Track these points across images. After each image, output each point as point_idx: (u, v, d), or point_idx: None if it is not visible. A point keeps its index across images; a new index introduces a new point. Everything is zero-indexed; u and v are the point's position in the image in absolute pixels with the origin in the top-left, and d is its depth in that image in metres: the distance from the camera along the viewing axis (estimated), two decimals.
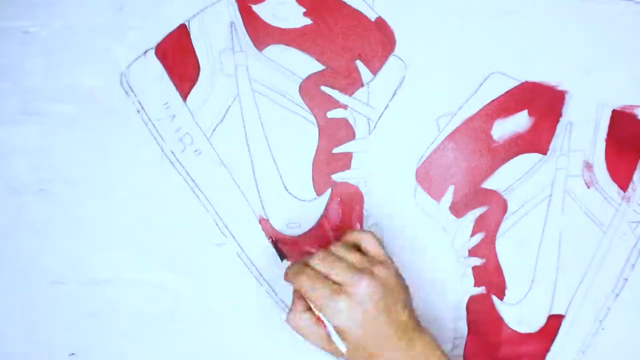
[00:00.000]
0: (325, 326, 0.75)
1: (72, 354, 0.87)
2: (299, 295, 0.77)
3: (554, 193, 0.87)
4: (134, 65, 0.86)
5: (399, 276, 0.77)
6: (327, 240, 0.86)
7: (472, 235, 0.87)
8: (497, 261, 0.87)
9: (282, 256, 0.84)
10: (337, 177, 0.87)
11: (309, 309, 0.76)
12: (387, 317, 0.74)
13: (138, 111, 0.86)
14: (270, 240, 0.86)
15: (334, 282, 0.74)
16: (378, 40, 0.86)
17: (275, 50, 0.86)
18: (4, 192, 0.86)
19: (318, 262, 0.75)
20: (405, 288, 0.77)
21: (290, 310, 0.77)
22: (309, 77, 0.86)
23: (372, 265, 0.75)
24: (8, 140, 0.86)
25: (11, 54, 0.86)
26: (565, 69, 0.86)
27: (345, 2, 0.86)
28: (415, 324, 0.76)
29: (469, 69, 0.86)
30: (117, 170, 0.86)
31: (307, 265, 0.76)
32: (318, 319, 0.76)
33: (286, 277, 0.77)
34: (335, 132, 0.87)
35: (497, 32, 0.86)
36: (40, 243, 0.86)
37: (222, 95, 0.86)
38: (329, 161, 0.87)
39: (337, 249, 0.77)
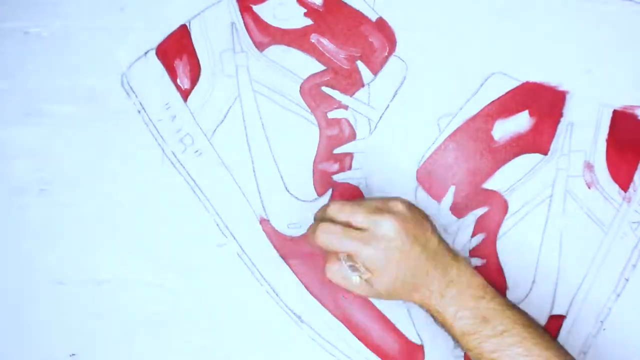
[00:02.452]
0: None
1: (73, 354, 0.87)
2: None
3: (554, 193, 0.87)
4: (134, 66, 0.86)
5: (415, 206, 0.76)
6: None
7: (473, 235, 0.87)
8: (498, 261, 0.87)
9: None
10: (338, 177, 0.87)
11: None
12: (420, 248, 0.74)
13: (139, 112, 0.86)
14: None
15: (357, 229, 0.74)
16: (379, 40, 0.86)
17: (276, 51, 0.86)
18: (5, 192, 0.86)
19: (335, 213, 0.75)
20: (425, 216, 0.76)
21: (327, 265, 0.76)
22: (309, 78, 0.86)
23: (387, 204, 0.75)
24: (9, 140, 0.86)
25: (12, 54, 0.86)
26: (566, 70, 0.86)
27: (345, 3, 0.86)
28: (447, 250, 0.76)
29: (469, 70, 0.86)
30: (117, 170, 0.86)
31: (324, 220, 0.75)
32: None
33: (310, 238, 0.75)
34: (336, 133, 0.87)
35: (498, 32, 0.86)
36: (41, 243, 0.86)
37: (222, 96, 0.86)
38: (329, 161, 0.87)
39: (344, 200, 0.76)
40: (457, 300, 0.75)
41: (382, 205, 0.75)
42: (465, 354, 0.85)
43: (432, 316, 0.77)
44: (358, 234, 0.73)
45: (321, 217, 0.76)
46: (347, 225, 0.74)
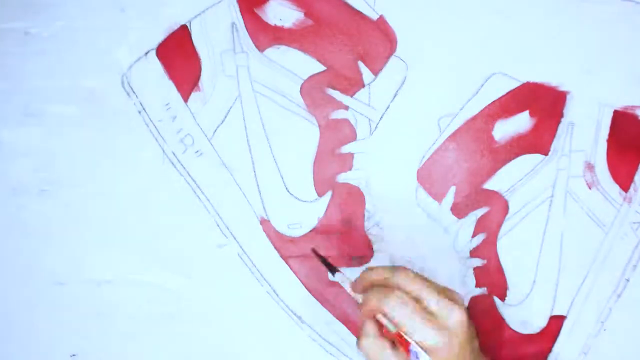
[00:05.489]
0: (407, 351, 0.70)
1: (73, 354, 0.87)
2: (370, 317, 0.72)
3: (555, 194, 0.87)
4: (135, 66, 0.86)
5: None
6: (328, 241, 0.86)
7: (474, 236, 0.87)
8: (499, 262, 0.87)
9: (333, 269, 0.78)
10: (339, 177, 0.87)
11: (382, 333, 0.71)
12: (470, 347, 0.71)
13: (139, 112, 0.86)
14: (315, 254, 0.80)
15: (425, 310, 0.70)
16: (379, 40, 0.86)
17: (276, 51, 0.86)
18: (5, 192, 0.86)
19: (407, 283, 0.71)
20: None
21: (362, 335, 0.72)
22: (310, 78, 0.86)
23: (450, 291, 0.72)
24: (9, 141, 0.86)
25: (12, 55, 0.86)
26: (567, 70, 0.86)
27: (346, 3, 0.86)
28: (480, 354, 0.74)
29: (470, 70, 0.86)
30: (118, 171, 0.86)
31: (391, 286, 0.71)
32: (393, 344, 0.71)
33: (367, 305, 0.71)
34: (337, 133, 0.87)
35: (499, 32, 0.86)
36: (41, 244, 0.86)
37: (223, 96, 0.86)
38: (330, 162, 0.87)
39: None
40: None
41: (447, 291, 0.72)
42: None
43: None
44: (432, 319, 0.69)
45: (383, 280, 0.72)
46: (417, 300, 0.70)
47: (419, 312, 0.69)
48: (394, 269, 0.72)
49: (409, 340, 0.69)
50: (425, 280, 0.72)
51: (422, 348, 0.69)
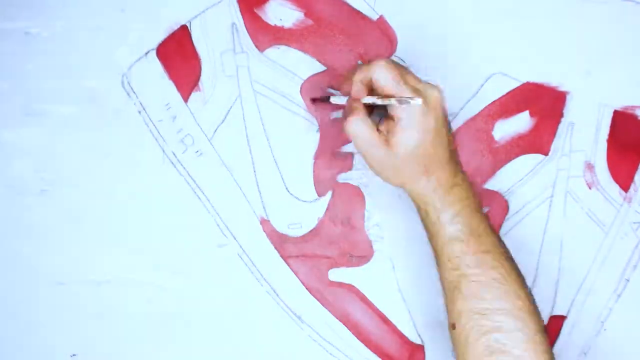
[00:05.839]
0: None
1: (74, 355, 0.87)
2: (358, 102, 0.76)
3: (555, 194, 0.87)
4: (135, 66, 0.86)
5: None
6: (328, 241, 0.86)
7: None
8: None
9: (327, 99, 0.83)
10: (339, 178, 0.87)
11: (368, 115, 0.76)
12: (445, 133, 0.75)
13: (139, 112, 0.86)
14: (313, 100, 0.85)
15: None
16: (379, 40, 0.86)
17: (276, 51, 0.86)
18: (5, 193, 0.86)
19: (390, 66, 0.75)
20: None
21: (351, 114, 0.75)
22: (310, 78, 0.86)
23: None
24: (10, 141, 0.86)
25: (13, 55, 0.86)
26: (567, 70, 0.86)
27: (346, 3, 0.86)
28: (458, 157, 0.79)
29: (470, 70, 0.86)
30: (118, 171, 0.86)
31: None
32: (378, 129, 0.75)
33: (357, 77, 0.76)
34: (337, 133, 0.87)
35: (499, 32, 0.86)
36: (41, 244, 0.86)
37: (223, 96, 0.86)
38: (330, 162, 0.87)
39: None
40: (458, 204, 0.76)
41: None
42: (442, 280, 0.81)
43: (423, 211, 0.77)
44: (414, 83, 0.75)
45: (365, 77, 0.76)
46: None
47: (402, 80, 0.74)
48: (374, 62, 0.76)
49: (389, 102, 0.74)
50: (405, 67, 0.78)
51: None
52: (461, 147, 0.86)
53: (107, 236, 0.86)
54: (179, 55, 0.86)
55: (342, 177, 0.87)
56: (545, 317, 0.86)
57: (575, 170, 0.87)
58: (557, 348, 0.86)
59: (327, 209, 0.87)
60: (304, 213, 0.87)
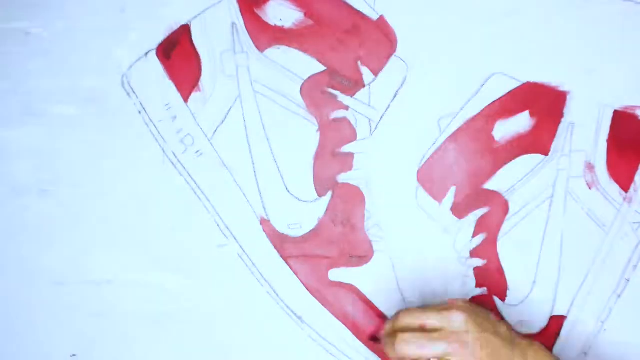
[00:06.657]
0: None
1: (74, 355, 0.87)
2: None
3: (555, 194, 0.87)
4: (135, 67, 0.86)
5: (473, 302, 0.79)
6: (328, 241, 0.86)
7: (474, 236, 0.87)
8: (499, 262, 0.87)
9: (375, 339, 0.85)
10: (339, 178, 0.87)
11: None
12: (493, 335, 0.76)
13: (139, 112, 0.86)
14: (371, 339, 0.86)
15: (431, 330, 0.75)
16: (379, 40, 0.86)
17: (276, 51, 0.86)
18: (5, 193, 0.86)
19: (407, 320, 0.77)
20: (484, 307, 0.79)
21: None
22: (310, 78, 0.86)
23: (449, 303, 0.77)
24: (9, 141, 0.86)
25: (12, 55, 0.86)
26: (567, 70, 0.86)
27: (346, 3, 0.86)
28: (518, 335, 0.78)
29: (470, 70, 0.86)
30: (118, 171, 0.86)
31: (396, 330, 0.76)
32: None
33: (390, 354, 0.77)
34: (337, 133, 0.87)
35: (499, 32, 0.86)
36: (41, 244, 0.86)
37: (223, 96, 0.86)
38: (330, 162, 0.87)
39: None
40: None
41: (446, 305, 0.77)
42: None
43: None
44: (437, 334, 0.75)
45: (392, 330, 0.77)
46: (421, 330, 0.76)
47: (426, 337, 0.75)
48: (395, 316, 0.78)
49: None
50: (421, 308, 0.78)
51: None
52: (461, 147, 0.86)
53: (107, 236, 0.86)
54: (179, 55, 0.86)
55: (342, 177, 0.87)
56: (545, 318, 0.86)
57: (575, 170, 0.87)
58: (557, 348, 0.86)
59: (327, 209, 0.87)
60: (304, 213, 0.87)
